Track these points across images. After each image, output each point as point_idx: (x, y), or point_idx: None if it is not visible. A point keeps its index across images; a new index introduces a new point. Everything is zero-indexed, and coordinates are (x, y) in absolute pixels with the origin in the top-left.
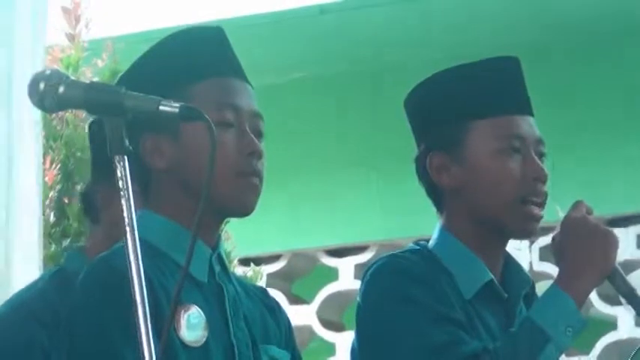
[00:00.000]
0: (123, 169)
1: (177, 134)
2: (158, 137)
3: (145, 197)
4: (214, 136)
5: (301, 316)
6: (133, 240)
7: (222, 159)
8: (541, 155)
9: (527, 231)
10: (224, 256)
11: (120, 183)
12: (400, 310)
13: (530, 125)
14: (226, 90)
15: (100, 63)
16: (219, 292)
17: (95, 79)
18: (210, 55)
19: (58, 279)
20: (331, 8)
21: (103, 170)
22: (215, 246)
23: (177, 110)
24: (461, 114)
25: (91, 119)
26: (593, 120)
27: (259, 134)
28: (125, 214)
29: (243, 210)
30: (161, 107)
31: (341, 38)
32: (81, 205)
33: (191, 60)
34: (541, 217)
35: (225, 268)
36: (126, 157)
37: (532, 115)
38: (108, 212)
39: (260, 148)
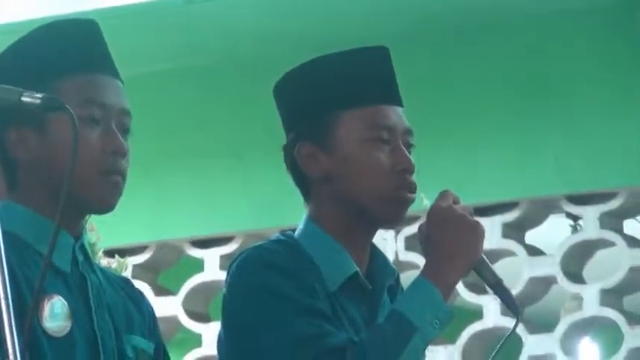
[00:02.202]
0: None
1: (43, 127)
2: (23, 129)
3: (10, 188)
4: (76, 127)
5: (167, 307)
6: None
7: (86, 156)
8: (409, 146)
9: (397, 216)
10: (87, 246)
11: None
12: (265, 302)
13: (399, 116)
14: (94, 86)
15: None
16: (82, 282)
17: None
18: (80, 49)
19: None
20: None
21: None
22: (78, 236)
23: (39, 101)
24: (329, 104)
25: None
26: (458, 109)
27: (125, 131)
28: None
29: (104, 208)
30: (23, 98)
31: (207, 29)
32: None
33: (60, 54)
34: (413, 201)
35: (88, 258)
36: None
37: (401, 105)
38: None
39: (125, 146)
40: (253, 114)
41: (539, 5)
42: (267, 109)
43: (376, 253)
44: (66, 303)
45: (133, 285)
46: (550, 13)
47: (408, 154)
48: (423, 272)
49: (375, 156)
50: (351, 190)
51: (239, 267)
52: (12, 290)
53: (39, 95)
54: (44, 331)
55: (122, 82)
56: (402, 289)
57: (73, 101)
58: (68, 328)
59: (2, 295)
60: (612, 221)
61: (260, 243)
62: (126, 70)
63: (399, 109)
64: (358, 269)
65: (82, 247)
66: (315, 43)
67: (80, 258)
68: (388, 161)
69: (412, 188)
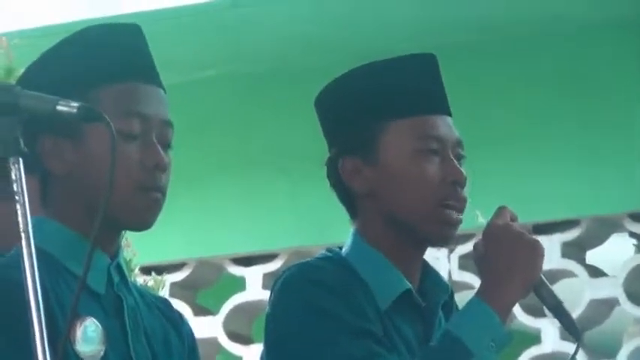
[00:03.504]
0: (18, 172)
1: (79, 138)
2: (59, 140)
3: (43, 202)
4: (115, 139)
5: (207, 328)
6: (29, 248)
7: (123, 171)
8: (460, 158)
9: (445, 237)
10: (123, 266)
11: (14, 186)
12: (312, 322)
13: (448, 126)
14: (134, 96)
15: None
16: (117, 303)
17: None
18: (120, 56)
19: None
20: (244, 2)
21: None
22: (114, 255)
23: (75, 111)
24: (375, 114)
25: None
26: (516, 121)
27: (166, 144)
28: (20, 220)
29: (142, 226)
30: (59, 107)
31: (254, 35)
32: None
33: (99, 61)
34: (460, 222)
35: (124, 278)
36: (21, 160)
37: (450, 115)
38: None
39: (165, 160)
40: (301, 124)
41: (605, 12)
42: (315, 119)
43: (428, 270)
44: (100, 326)
45: (172, 306)
46: (621, 19)
47: (458, 166)
48: (478, 293)
49: (424, 168)
50: (397, 205)
51: (284, 285)
52: (44, 310)
53: (75, 104)
54: (77, 355)
55: (164, 91)
56: (456, 306)
57: (112, 111)
58: (102, 353)
59: (35, 318)
60: None
61: (306, 260)
62: (167, 77)
63: (448, 119)
64: (411, 286)
65: (119, 267)
66: (366, 52)
67: (116, 278)
68: (438, 173)
69: (461, 202)
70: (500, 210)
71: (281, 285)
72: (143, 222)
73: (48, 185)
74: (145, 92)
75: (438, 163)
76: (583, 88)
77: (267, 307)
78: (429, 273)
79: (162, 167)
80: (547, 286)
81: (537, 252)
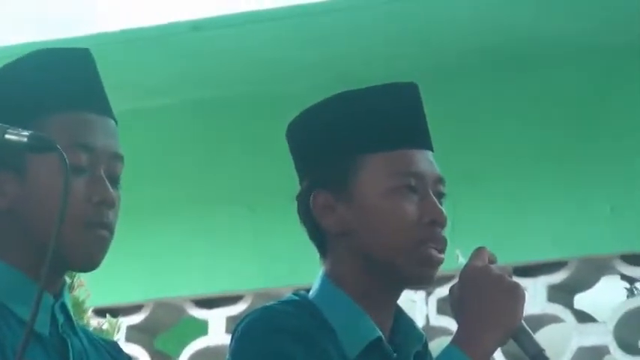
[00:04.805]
0: None
1: (23, 171)
2: (2, 172)
3: None
4: (68, 170)
5: None
6: None
7: (68, 207)
8: (440, 196)
9: (425, 278)
10: (68, 305)
11: None
12: None
13: (429, 161)
14: (81, 127)
15: None
16: (62, 346)
17: None
18: (67, 83)
19: None
20: (206, 24)
21: None
22: (58, 293)
23: (25, 140)
24: (349, 147)
25: None
26: (499, 153)
27: (116, 179)
28: None
29: (87, 265)
30: (7, 136)
31: (216, 59)
32: None
33: (45, 88)
34: (441, 262)
35: (69, 319)
36: None
37: (431, 149)
38: None
39: (112, 195)
40: (267, 156)
41: (595, 38)
42: (283, 151)
43: (401, 317)
44: None
45: (121, 350)
46: (610, 46)
47: (438, 205)
48: (454, 340)
49: (400, 206)
50: (372, 245)
51: (245, 330)
52: None
53: (25, 133)
54: None
55: (115, 121)
56: (430, 356)
57: (57, 142)
58: None
59: None
60: None
61: (270, 304)
62: (120, 104)
63: (429, 154)
64: (381, 334)
65: (63, 307)
66: (342, 77)
67: (60, 319)
68: (416, 212)
69: (441, 244)
70: (478, 251)
71: (242, 331)
72: (88, 261)
73: None
74: (94, 123)
75: (416, 202)
76: (570, 121)
77: (227, 355)
78: (402, 319)
79: (109, 203)
80: (528, 332)
81: (517, 296)
